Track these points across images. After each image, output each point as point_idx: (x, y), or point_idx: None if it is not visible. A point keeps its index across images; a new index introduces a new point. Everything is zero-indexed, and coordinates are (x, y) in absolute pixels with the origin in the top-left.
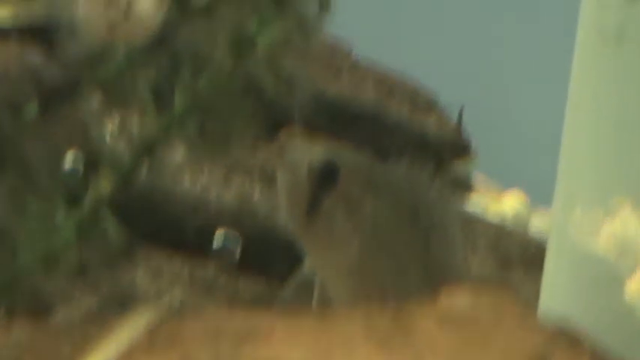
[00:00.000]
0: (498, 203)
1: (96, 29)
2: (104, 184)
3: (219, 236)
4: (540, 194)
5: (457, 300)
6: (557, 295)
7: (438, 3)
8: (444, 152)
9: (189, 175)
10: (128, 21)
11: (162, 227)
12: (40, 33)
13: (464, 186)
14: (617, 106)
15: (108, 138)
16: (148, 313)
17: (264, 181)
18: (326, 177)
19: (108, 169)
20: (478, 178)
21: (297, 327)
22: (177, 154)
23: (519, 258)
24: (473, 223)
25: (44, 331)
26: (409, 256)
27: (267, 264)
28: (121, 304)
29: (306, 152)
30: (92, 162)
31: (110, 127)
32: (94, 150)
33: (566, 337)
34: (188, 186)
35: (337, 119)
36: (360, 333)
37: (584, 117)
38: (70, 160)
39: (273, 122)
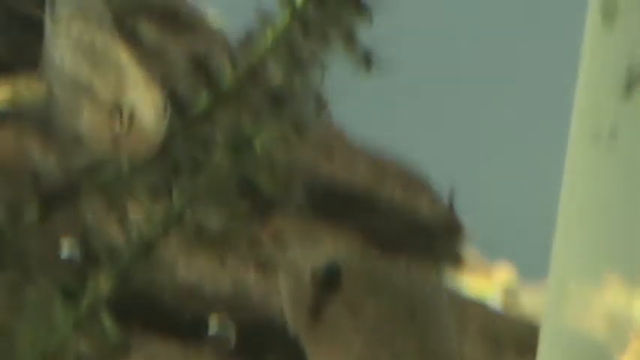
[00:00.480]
0: (488, 279)
1: (99, 140)
2: (103, 284)
3: (213, 322)
4: (530, 267)
5: None
6: None
7: (428, 86)
8: (437, 233)
9: (184, 260)
10: (131, 133)
11: (158, 313)
12: (39, 118)
13: (455, 263)
14: (609, 192)
15: (107, 238)
16: None
17: (258, 266)
18: (330, 281)
19: (107, 268)
20: (468, 251)
21: None
22: (173, 242)
23: (510, 341)
24: (464, 306)
25: None
26: (408, 351)
27: (262, 349)
28: None
29: (308, 257)
30: (91, 260)
31: (109, 227)
32: (94, 249)
33: None
34: (183, 272)
35: (330, 202)
36: None
37: (577, 200)
38: (67, 248)
39: (267, 206)
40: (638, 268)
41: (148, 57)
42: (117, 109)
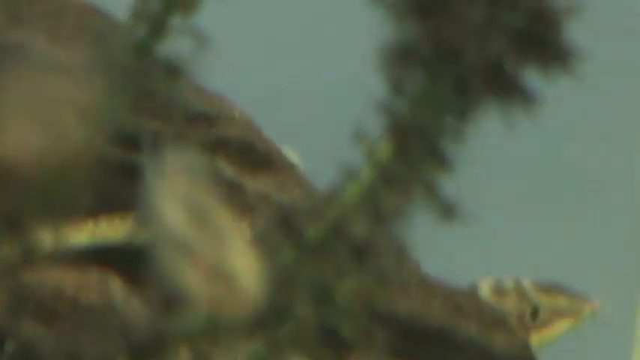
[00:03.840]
0: None
1: (197, 301)
2: None
3: None
4: None
5: None
6: None
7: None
8: None
9: None
10: (230, 297)
11: None
12: (122, 259)
13: None
14: None
15: None
16: None
17: None
18: None
19: None
20: None
21: None
22: None
23: None
24: None
25: None
26: None
27: None
28: None
29: None
30: None
31: None
32: None
33: None
34: None
35: (406, 337)
36: None
37: None
38: None
39: (346, 347)
40: None
41: (244, 212)
42: (217, 271)
